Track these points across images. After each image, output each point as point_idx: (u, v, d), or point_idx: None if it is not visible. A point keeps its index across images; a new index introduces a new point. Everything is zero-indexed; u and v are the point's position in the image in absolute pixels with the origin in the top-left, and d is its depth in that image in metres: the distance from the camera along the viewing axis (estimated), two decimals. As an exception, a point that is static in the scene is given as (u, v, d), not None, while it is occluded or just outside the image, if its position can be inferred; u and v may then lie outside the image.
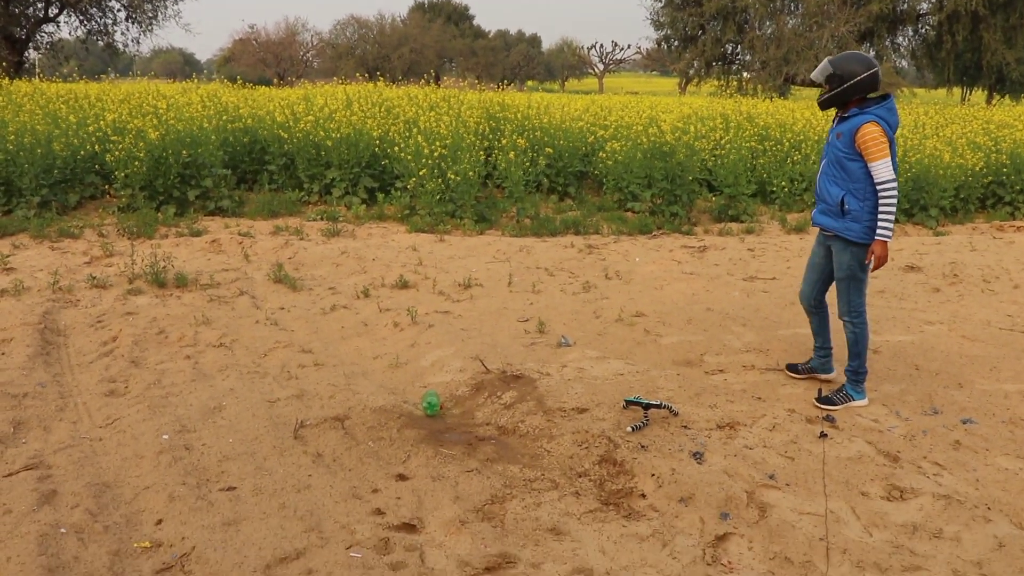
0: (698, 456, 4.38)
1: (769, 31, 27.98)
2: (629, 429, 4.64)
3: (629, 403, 4.90)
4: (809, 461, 4.39)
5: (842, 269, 5.12)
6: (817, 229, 5.39)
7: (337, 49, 65.65)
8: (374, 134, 12.06)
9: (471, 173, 10.99)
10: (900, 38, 29.78)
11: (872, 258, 4.94)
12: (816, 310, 5.51)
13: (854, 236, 4.97)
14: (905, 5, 27.96)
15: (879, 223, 4.88)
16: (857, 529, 3.78)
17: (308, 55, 70.39)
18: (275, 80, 54.72)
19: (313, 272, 8.70)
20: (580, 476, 4.21)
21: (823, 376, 5.61)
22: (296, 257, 9.23)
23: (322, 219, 11.42)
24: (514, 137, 12.01)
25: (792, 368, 5.71)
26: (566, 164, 13.22)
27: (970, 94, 46.28)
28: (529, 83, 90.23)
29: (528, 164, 11.72)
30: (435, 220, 11.08)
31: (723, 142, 12.66)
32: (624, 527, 3.74)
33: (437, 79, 67.64)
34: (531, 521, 3.74)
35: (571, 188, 13.32)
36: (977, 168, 13.32)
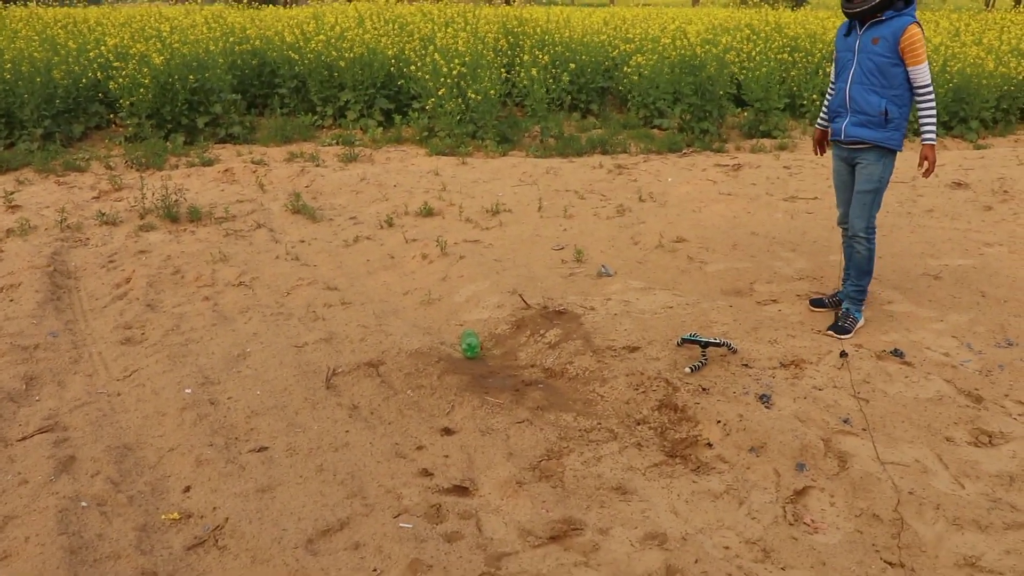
0: (765, 399, 4.04)
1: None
2: (687, 370, 4.30)
3: (685, 341, 4.55)
4: (885, 403, 4.04)
5: (872, 181, 4.76)
6: (830, 145, 5.08)
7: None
8: (388, 53, 11.50)
9: (492, 92, 10.46)
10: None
11: (926, 164, 4.68)
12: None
13: (895, 144, 4.69)
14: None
15: (925, 127, 4.63)
16: (947, 481, 3.45)
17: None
18: (279, -1, 53.38)
19: (332, 201, 8.31)
20: (639, 424, 3.88)
21: None
22: (313, 185, 8.83)
23: (338, 144, 10.97)
24: (535, 53, 11.42)
25: (817, 303, 5.28)
26: (588, 80, 12.64)
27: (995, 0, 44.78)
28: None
29: (551, 81, 11.15)
30: (456, 142, 10.61)
31: (753, 54, 12.03)
32: (694, 483, 3.42)
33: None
34: (593, 479, 3.42)
35: (594, 105, 12.77)
36: (1021, 77, 12.66)
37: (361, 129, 11.78)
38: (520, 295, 5.37)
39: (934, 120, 4.61)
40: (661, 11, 19.12)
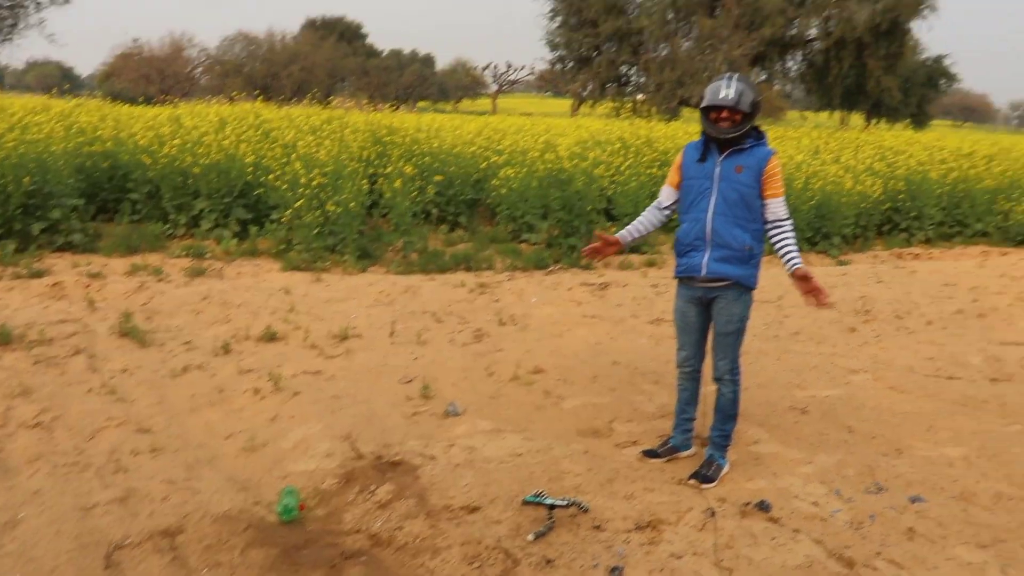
0: (616, 573, 3.55)
1: (664, 53, 27.84)
2: (531, 537, 3.79)
3: (528, 502, 4.05)
4: (751, 573, 3.61)
5: (735, 321, 4.45)
6: (668, 280, 4.74)
7: (224, 66, 63.36)
8: (247, 160, 10.96)
9: (352, 204, 10.02)
10: (790, 63, 30.13)
11: (816, 291, 4.30)
12: (697, 376, 4.77)
13: (755, 282, 4.44)
14: (794, 30, 28.27)
15: (791, 252, 4.36)
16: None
17: (195, 71, 67.79)
18: (158, 97, 52.19)
19: (168, 322, 7.58)
20: (470, 612, 3.33)
21: (684, 454, 4.85)
22: (151, 303, 8.09)
23: (187, 255, 10.26)
24: (400, 164, 11.08)
25: (651, 454, 4.84)
26: (457, 192, 12.39)
27: (849, 118, 47.84)
28: (422, 103, 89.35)
29: (415, 193, 10.80)
30: (313, 256, 10.06)
31: (623, 168, 12.02)
32: None
33: (327, 98, 66.17)
34: None
35: (463, 217, 12.48)
36: (876, 194, 13.08)
37: (216, 240, 11.11)
38: (352, 443, 4.80)
39: (794, 247, 4.39)
40: (536, 122, 19.27)
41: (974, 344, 7.29)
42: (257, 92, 51.94)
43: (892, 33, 27.67)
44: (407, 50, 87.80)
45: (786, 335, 7.48)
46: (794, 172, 12.68)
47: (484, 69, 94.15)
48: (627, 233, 4.74)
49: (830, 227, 12.37)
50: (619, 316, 7.92)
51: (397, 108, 74.73)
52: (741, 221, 4.32)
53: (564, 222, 10.79)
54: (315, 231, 10.11)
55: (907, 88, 41.67)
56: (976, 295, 9.10)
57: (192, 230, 11.33)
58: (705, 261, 4.39)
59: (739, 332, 4.47)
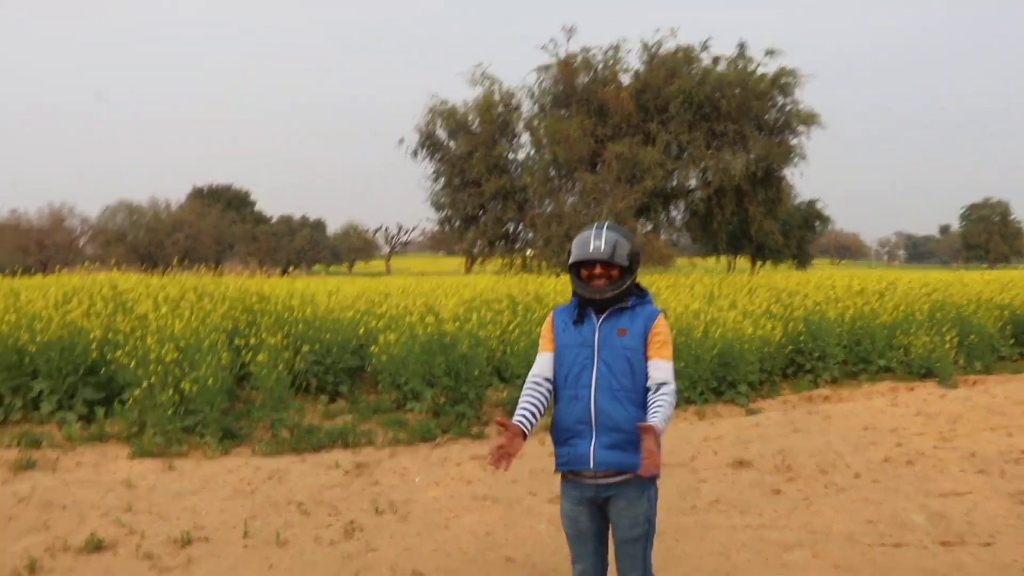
0: None
1: (549, 209, 27.88)
2: None
3: None
4: None
5: (640, 523, 3.51)
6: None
7: (107, 235, 61.66)
8: (93, 335, 9.74)
9: (211, 381, 8.87)
10: (673, 212, 30.62)
11: (651, 456, 3.24)
12: None
13: (657, 470, 3.33)
14: (675, 182, 28.83)
15: (658, 410, 3.38)
16: None
17: (79, 241, 65.79)
18: (37, 269, 49.85)
19: (-30, 536, 6.22)
20: None
21: None
22: (-46, 512, 6.71)
23: (20, 445, 8.84)
24: (263, 335, 10.01)
25: None
26: (336, 359, 11.34)
27: (735, 262, 49.22)
28: (316, 267, 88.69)
29: (282, 366, 9.70)
30: (168, 440, 8.80)
31: (511, 327, 11.25)
32: None
33: (217, 266, 64.74)
34: None
35: (343, 387, 11.39)
36: (777, 338, 12.62)
37: (58, 424, 9.73)
38: None
39: (666, 414, 3.39)
40: (420, 282, 18.54)
41: (912, 499, 6.52)
42: (140, 261, 50.53)
43: (768, 180, 28.50)
44: (297, 215, 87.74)
45: (704, 505, 6.57)
46: (692, 321, 12.14)
47: (375, 232, 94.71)
48: (525, 420, 3.63)
49: (735, 375, 11.76)
50: (514, 495, 6.90)
51: (287, 273, 73.96)
52: (631, 395, 3.49)
53: (450, 388, 9.82)
54: (169, 411, 8.88)
55: (787, 231, 43.08)
56: (898, 438, 8.45)
57: (33, 413, 9.93)
58: (592, 450, 3.48)
59: (647, 536, 3.54)
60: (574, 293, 3.65)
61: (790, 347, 13.12)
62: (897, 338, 13.89)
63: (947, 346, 13.52)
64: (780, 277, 22.16)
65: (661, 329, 3.56)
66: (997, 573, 4.99)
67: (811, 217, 48.07)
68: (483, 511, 6.45)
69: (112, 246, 59.01)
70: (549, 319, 3.76)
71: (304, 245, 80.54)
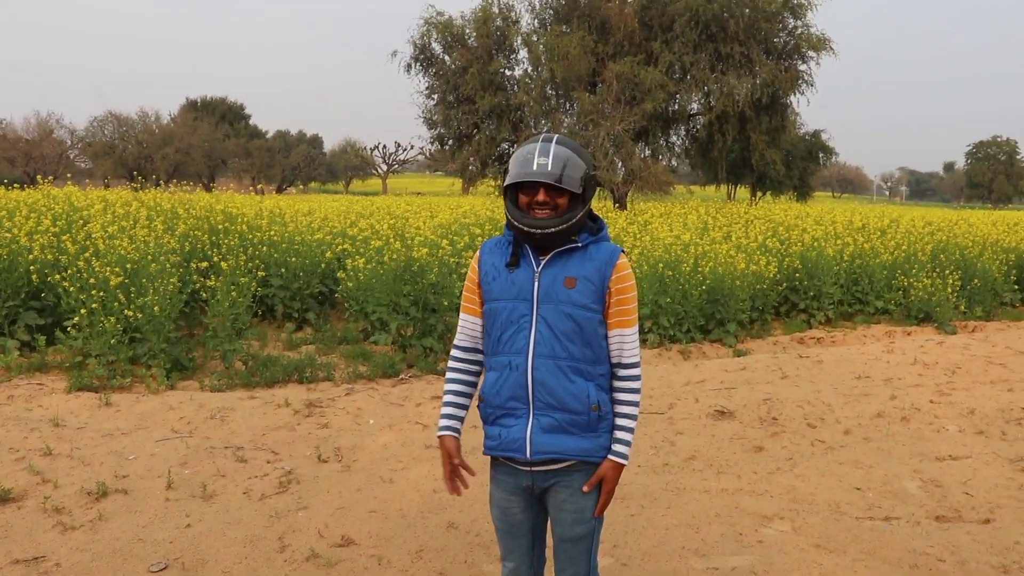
0: None
1: (545, 129, 26.90)
2: None
3: None
4: None
5: (585, 520, 2.83)
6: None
7: (94, 147, 60.36)
8: (32, 255, 9.06)
9: (157, 308, 8.23)
10: (673, 137, 29.60)
11: (603, 498, 2.81)
12: None
13: (603, 456, 2.80)
14: (677, 105, 27.79)
15: (622, 432, 2.80)
16: None
17: (69, 153, 64.45)
18: (26, 181, 48.59)
19: None
20: None
21: None
22: None
23: (-48, 375, 8.27)
24: (216, 258, 9.32)
25: None
26: (303, 285, 10.70)
27: (735, 191, 48.34)
28: (312, 185, 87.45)
29: (236, 292, 9.01)
30: (112, 372, 8.21)
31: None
32: None
33: (210, 181, 63.54)
34: None
35: (310, 314, 10.79)
36: (771, 275, 11.97)
37: (0, 351, 9.13)
38: None
39: (634, 424, 2.82)
40: (409, 203, 17.79)
41: (906, 462, 5.94)
42: (128, 175, 49.52)
43: (773, 107, 27.45)
44: (294, 131, 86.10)
45: (678, 462, 5.99)
46: (682, 253, 11.47)
47: (373, 150, 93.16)
48: (453, 428, 2.93)
49: (724, 313, 11.15)
50: (472, 444, 6.28)
51: (283, 191, 72.89)
52: (580, 364, 2.74)
53: (417, 320, 9.19)
54: (113, 340, 8.26)
55: (789, 161, 42.15)
56: (893, 390, 7.85)
57: (-31, 343, 9.33)
58: (528, 434, 2.76)
59: (593, 534, 2.86)
60: (507, 225, 2.82)
61: (784, 284, 12.51)
62: (897, 279, 13.27)
63: (948, 290, 12.89)
64: (779, 209, 21.38)
65: (625, 284, 2.76)
66: (996, 556, 4.42)
67: (815, 148, 47.12)
68: (434, 462, 5.86)
69: (100, 159, 57.81)
70: (475, 260, 2.94)
71: (300, 162, 79.18)
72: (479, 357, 2.96)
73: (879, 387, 8.04)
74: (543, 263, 2.76)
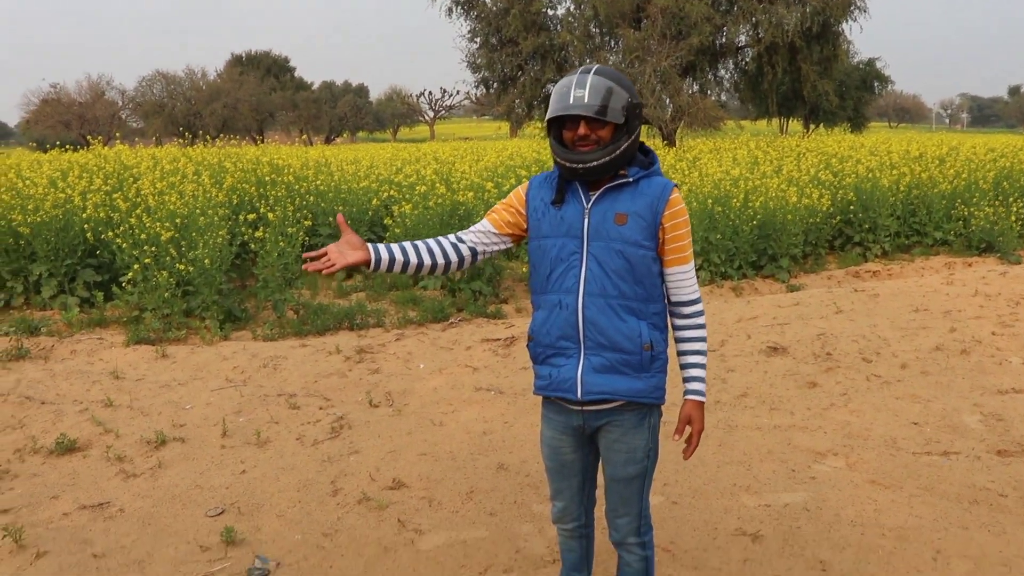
0: None
1: (590, 69, 26.43)
2: None
3: None
4: None
5: (638, 460, 2.77)
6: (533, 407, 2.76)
7: (144, 107, 61.07)
8: (84, 215, 9.21)
9: (207, 261, 8.32)
10: (722, 71, 28.95)
11: (688, 430, 2.77)
12: (585, 532, 3.06)
13: (659, 397, 2.73)
14: (724, 38, 27.13)
15: (695, 370, 2.75)
16: None
17: (121, 114, 65.30)
18: (81, 143, 49.27)
19: (-57, 433, 5.86)
20: None
21: None
22: (-67, 404, 6.35)
23: (16, 332, 8.47)
24: (264, 209, 9.38)
25: None
26: (351, 234, 10.73)
27: (787, 125, 47.21)
28: (361, 133, 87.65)
29: (284, 242, 9.05)
30: (167, 325, 8.36)
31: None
32: None
33: (260, 134, 64.02)
34: None
35: (361, 262, 10.84)
36: (824, 208, 11.70)
37: (62, 308, 9.35)
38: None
39: (705, 360, 2.76)
40: (455, 148, 17.70)
41: (965, 395, 5.80)
42: (178, 132, 50.06)
43: (824, 36, 26.68)
44: (339, 81, 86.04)
45: (731, 400, 5.92)
46: (731, 189, 11.25)
47: (419, 97, 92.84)
48: (386, 251, 2.73)
49: (776, 248, 10.95)
50: (521, 385, 6.30)
51: (331, 141, 73.09)
52: (632, 302, 2.66)
53: (466, 264, 9.19)
54: (167, 294, 8.39)
55: (843, 92, 41.04)
56: (953, 323, 7.66)
57: (34, 299, 9.57)
58: (580, 374, 2.69)
59: (644, 475, 2.81)
60: (555, 162, 2.72)
61: (838, 218, 12.22)
62: (957, 209, 12.87)
63: (1012, 218, 12.48)
64: (832, 141, 20.84)
65: (679, 219, 2.66)
66: (1061, 488, 4.30)
67: (869, 77, 45.70)
68: (484, 405, 5.88)
69: (150, 118, 58.48)
70: (522, 189, 2.84)
71: (347, 112, 79.25)
72: (467, 254, 2.82)
73: (938, 320, 7.85)
74: (593, 199, 2.67)
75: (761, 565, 3.61)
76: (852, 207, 12.39)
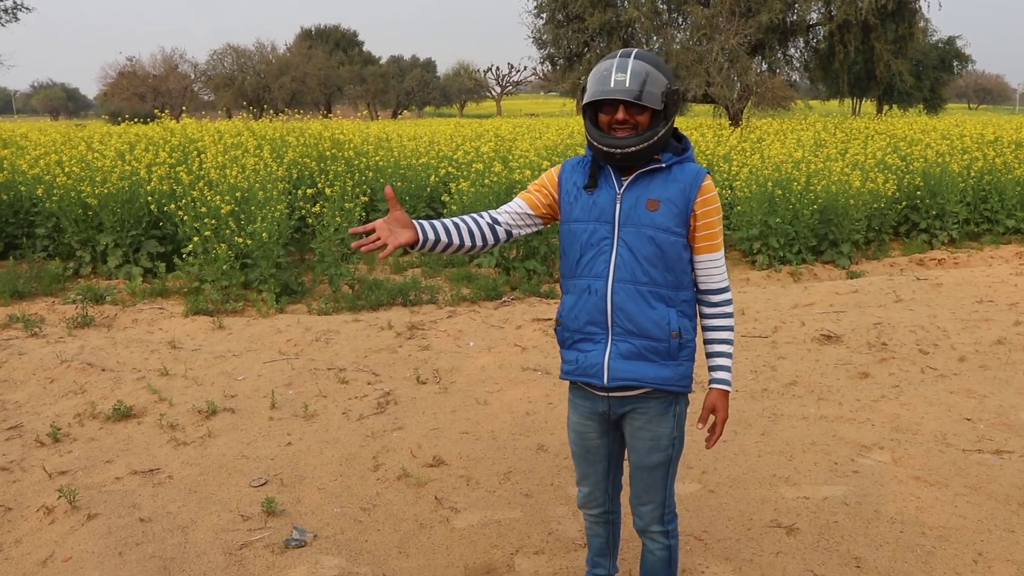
0: None
1: (657, 46, 26.17)
2: None
3: None
4: None
5: (662, 448, 2.76)
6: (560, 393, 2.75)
7: (214, 80, 62.17)
8: (149, 187, 9.44)
9: (265, 235, 8.47)
10: (792, 50, 28.36)
11: (712, 419, 2.76)
12: (611, 518, 3.08)
13: (686, 386, 2.71)
14: (795, 16, 26.56)
15: (722, 359, 2.74)
16: None
17: (193, 87, 66.57)
18: (155, 114, 50.17)
19: (11, 396, 6.10)
20: None
21: None
22: (3, 368, 6.61)
23: (84, 300, 8.75)
24: (323, 184, 9.50)
25: None
26: (408, 209, 10.83)
27: (860, 106, 46.02)
28: (428, 108, 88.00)
29: (341, 217, 9.16)
30: (225, 296, 8.54)
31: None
32: None
33: (328, 108, 64.70)
34: None
35: (418, 238, 10.93)
36: (889, 193, 11.41)
37: (126, 278, 9.63)
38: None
39: (732, 349, 2.74)
40: (500, 124, 17.67)
41: None
42: (248, 105, 50.82)
43: (900, 14, 25.94)
44: (407, 56, 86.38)
45: (778, 388, 5.85)
46: (793, 172, 11.04)
47: (486, 72, 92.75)
48: (431, 230, 2.70)
49: (838, 233, 10.72)
50: (550, 369, 6.31)
51: (397, 115, 73.42)
52: (661, 289, 2.64)
53: (520, 242, 9.19)
54: (225, 266, 8.57)
55: (919, 72, 39.89)
56: (1019, 316, 7.44)
57: (100, 267, 9.87)
58: (607, 360, 2.69)
59: (670, 462, 2.80)
60: (588, 145, 2.70)
61: (904, 203, 11.91)
62: (1032, 195, 12.44)
63: (1091, 206, 12.04)
64: (902, 124, 20.28)
65: (710, 207, 2.64)
66: (1118, 491, 4.16)
67: (948, 56, 44.22)
68: (529, 385, 5.90)
69: (221, 91, 59.49)
70: (555, 171, 2.83)
71: (414, 86, 79.56)
72: (502, 235, 2.83)
73: (1002, 312, 7.62)
74: (625, 184, 2.66)
75: (793, 558, 3.57)
76: (919, 192, 12.07)
